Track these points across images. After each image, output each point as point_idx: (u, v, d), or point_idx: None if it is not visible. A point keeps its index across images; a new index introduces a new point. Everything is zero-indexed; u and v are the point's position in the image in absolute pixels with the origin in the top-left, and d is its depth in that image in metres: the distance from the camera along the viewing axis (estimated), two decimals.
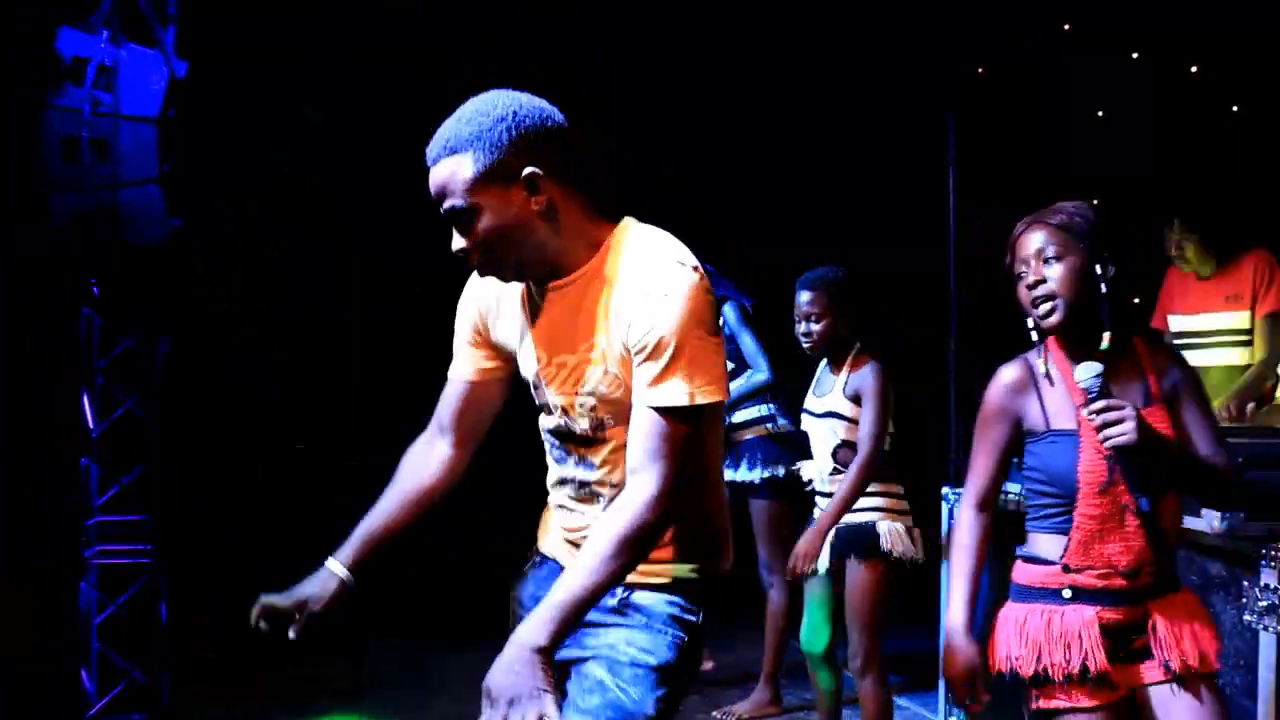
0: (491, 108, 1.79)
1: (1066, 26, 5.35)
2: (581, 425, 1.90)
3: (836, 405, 3.45)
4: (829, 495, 3.49)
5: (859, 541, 3.41)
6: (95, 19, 3.85)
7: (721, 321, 4.40)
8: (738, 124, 5.81)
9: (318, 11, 5.18)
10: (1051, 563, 2.18)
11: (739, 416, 4.39)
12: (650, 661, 1.87)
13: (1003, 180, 5.38)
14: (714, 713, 4.39)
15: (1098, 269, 2.11)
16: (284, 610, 2.01)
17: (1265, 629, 2.53)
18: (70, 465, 4.38)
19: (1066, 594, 2.16)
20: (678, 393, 1.75)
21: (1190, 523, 2.66)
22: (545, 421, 1.99)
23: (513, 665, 1.66)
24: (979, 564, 2.26)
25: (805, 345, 3.49)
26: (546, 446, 2.03)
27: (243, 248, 5.01)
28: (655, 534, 1.77)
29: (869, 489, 3.40)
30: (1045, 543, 2.19)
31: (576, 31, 5.65)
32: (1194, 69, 5.28)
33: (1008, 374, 2.25)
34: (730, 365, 4.42)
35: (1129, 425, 2.02)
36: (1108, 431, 2.04)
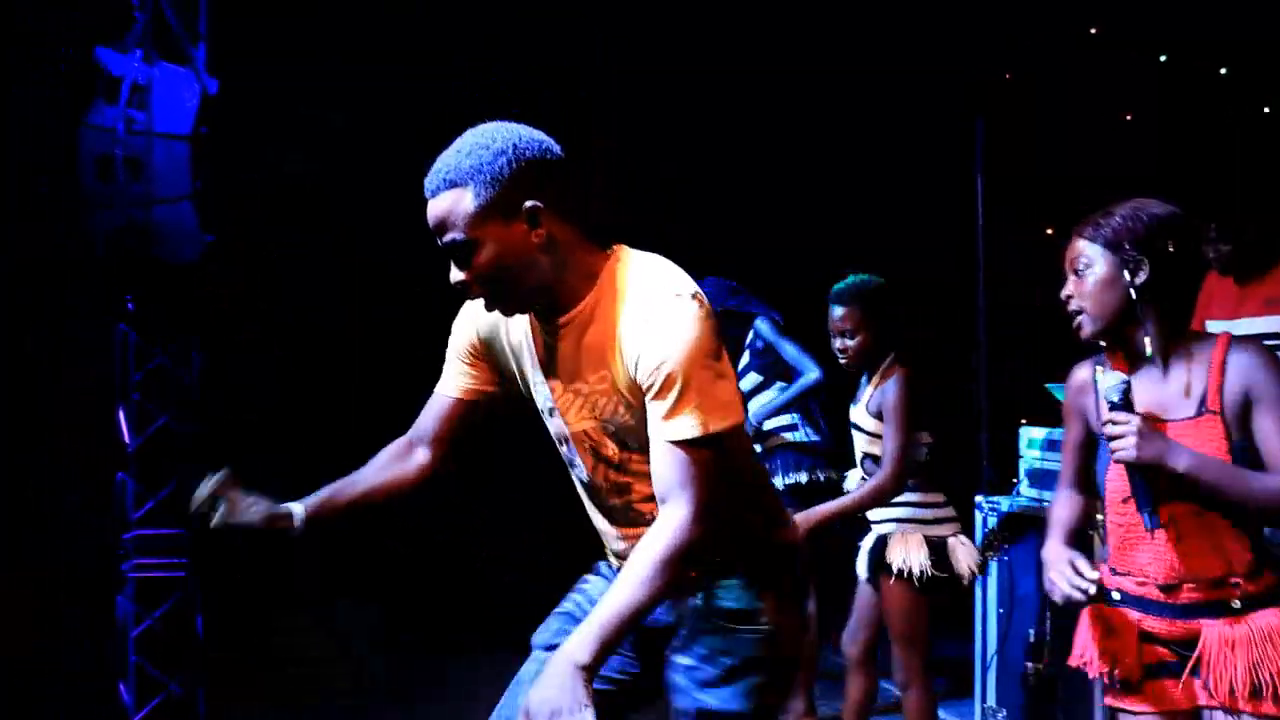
0: (491, 140, 1.79)
1: (1094, 30, 5.32)
2: (610, 448, 1.93)
3: (859, 419, 3.45)
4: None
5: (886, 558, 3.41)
6: (129, 39, 3.89)
7: (752, 335, 4.43)
8: (763, 129, 5.80)
9: (314, 11, 5.18)
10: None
11: (766, 424, 4.39)
12: (730, 661, 1.91)
13: (1030, 184, 5.36)
14: None
15: (1126, 276, 2.04)
16: (234, 498, 1.95)
17: None
18: (106, 480, 4.43)
19: (1115, 596, 2.17)
20: (691, 425, 1.77)
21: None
22: (567, 448, 2.00)
23: (555, 681, 1.69)
24: (1070, 528, 2.24)
25: (841, 360, 3.44)
26: (572, 472, 2.05)
27: (242, 248, 5.01)
28: (692, 554, 1.79)
29: (907, 500, 3.38)
30: (1110, 544, 2.21)
31: (585, 31, 5.64)
32: (1224, 70, 5.24)
33: (1075, 375, 2.26)
34: (759, 378, 4.41)
35: (1128, 441, 2.00)
36: (1112, 445, 2.03)
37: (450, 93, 5.23)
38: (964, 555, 3.38)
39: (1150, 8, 5.15)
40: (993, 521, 3.85)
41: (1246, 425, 2.02)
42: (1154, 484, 2.02)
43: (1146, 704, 2.12)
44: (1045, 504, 3.68)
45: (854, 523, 3.54)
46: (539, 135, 1.83)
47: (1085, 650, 2.19)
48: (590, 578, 2.12)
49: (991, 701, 3.91)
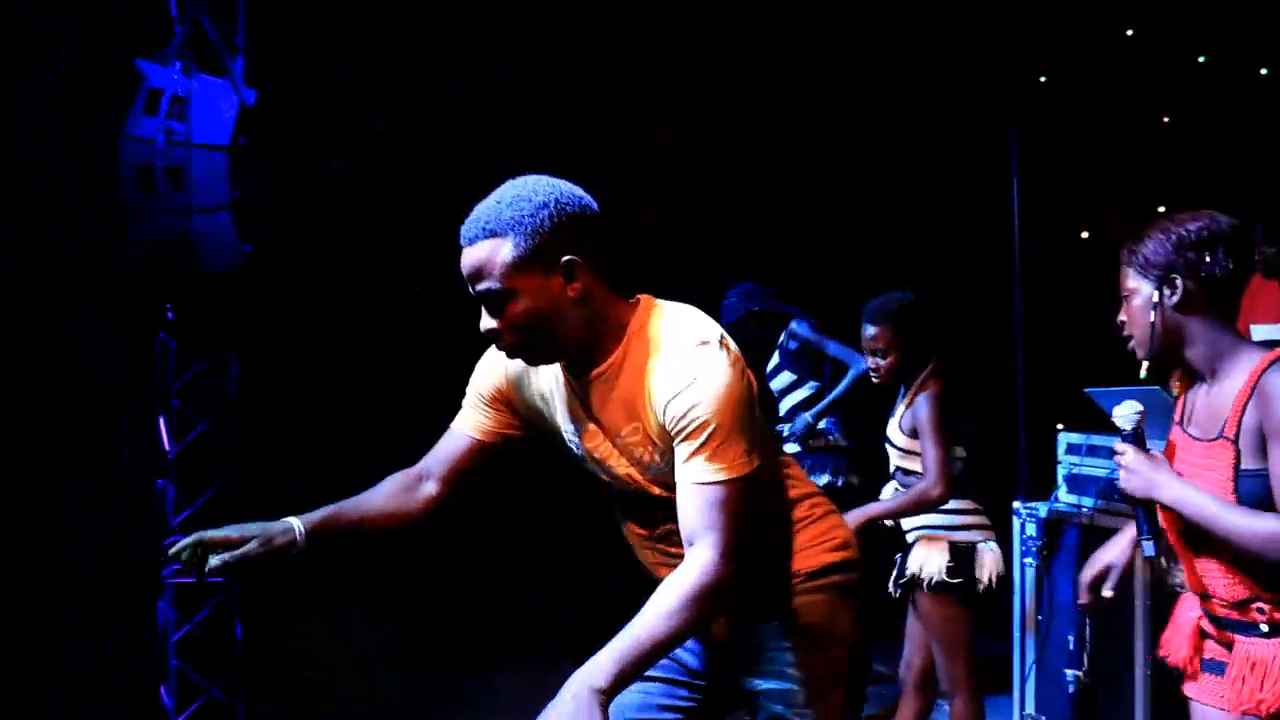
0: (534, 194, 1.80)
1: (1130, 32, 5.28)
2: (656, 491, 1.96)
3: (891, 433, 3.46)
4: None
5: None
6: (168, 51, 3.95)
7: (786, 336, 4.43)
8: (797, 134, 5.79)
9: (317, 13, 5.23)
10: None
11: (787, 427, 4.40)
12: (816, 680, 1.96)
13: (1065, 188, 5.32)
14: None
15: (1164, 297, 2.01)
16: (220, 541, 1.92)
17: None
18: (147, 486, 4.48)
19: (1184, 587, 2.20)
20: (717, 470, 1.79)
21: None
22: (612, 488, 2.02)
23: (571, 704, 1.67)
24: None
25: (874, 379, 3.46)
26: (617, 509, 2.07)
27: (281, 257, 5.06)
28: (721, 592, 1.79)
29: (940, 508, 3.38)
30: None
31: (584, 31, 5.64)
32: (1264, 71, 5.18)
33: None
34: (792, 377, 4.41)
35: (1122, 472, 2.03)
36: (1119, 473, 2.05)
37: (451, 92, 5.26)
38: (990, 562, 3.37)
39: (1187, 9, 5.10)
40: (1031, 528, 3.81)
41: (1264, 455, 1.94)
42: (1151, 514, 2.03)
43: (1204, 696, 2.14)
44: (1083, 509, 3.65)
45: (891, 539, 3.55)
46: (578, 191, 1.85)
47: (1164, 640, 2.25)
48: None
49: (1031, 709, 3.87)
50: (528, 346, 1.85)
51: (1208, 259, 1.98)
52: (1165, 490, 1.98)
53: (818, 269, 5.27)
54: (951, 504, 3.36)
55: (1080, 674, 3.60)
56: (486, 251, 1.78)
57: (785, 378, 4.43)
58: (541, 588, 5.26)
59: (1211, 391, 2.04)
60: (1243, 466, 1.94)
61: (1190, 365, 2.07)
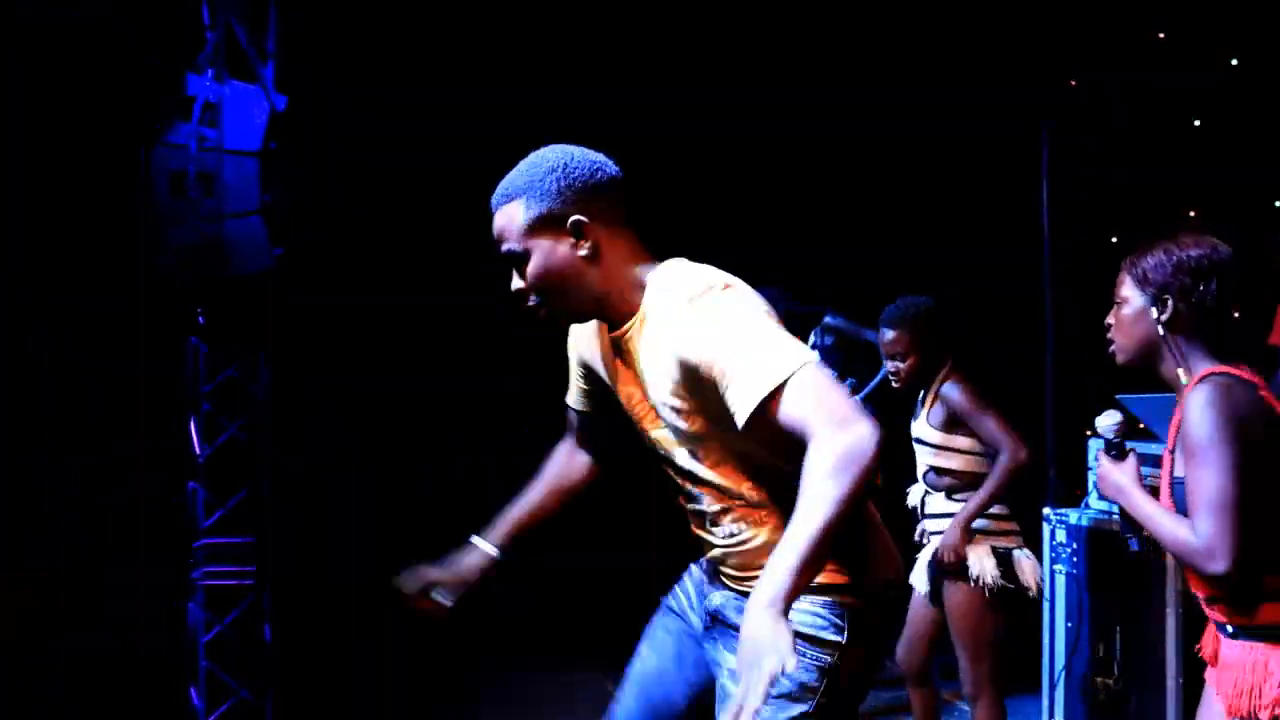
0: (545, 160, 1.91)
1: (1161, 35, 5.24)
2: (680, 456, 1.95)
3: (921, 432, 3.45)
4: (931, 516, 3.48)
5: (952, 564, 3.37)
6: (201, 58, 3.99)
7: (819, 333, 4.40)
8: (822, 137, 5.78)
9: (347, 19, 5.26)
10: None
11: None
12: (783, 685, 1.84)
13: (1096, 191, 5.28)
14: None
15: (1153, 313, 2.12)
16: (441, 580, 2.21)
17: None
18: (179, 489, 4.52)
19: None
20: (775, 369, 1.71)
21: None
22: (656, 453, 2.03)
23: (758, 629, 1.60)
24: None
25: (894, 383, 3.48)
26: (668, 482, 2.07)
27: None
28: (855, 455, 1.63)
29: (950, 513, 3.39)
30: None
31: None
32: None
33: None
34: (833, 374, 4.38)
35: (1098, 479, 2.19)
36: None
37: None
38: (1029, 568, 3.38)
39: (1220, 10, 5.06)
40: (1061, 534, 3.79)
41: None
42: (1126, 515, 2.19)
43: (1211, 682, 2.19)
44: (1114, 516, 3.62)
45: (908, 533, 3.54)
46: (592, 155, 1.94)
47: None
48: (687, 575, 2.15)
49: (1060, 717, 3.85)
50: (549, 304, 1.93)
51: (1201, 287, 2.09)
52: (1123, 496, 2.15)
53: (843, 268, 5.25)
54: (993, 509, 3.38)
55: (1109, 682, 3.58)
56: (506, 216, 1.91)
57: None
58: (560, 587, 5.26)
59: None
60: (1175, 475, 2.07)
61: (1163, 379, 2.18)
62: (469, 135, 5.48)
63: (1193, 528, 1.97)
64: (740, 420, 1.73)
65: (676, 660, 2.09)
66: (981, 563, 3.32)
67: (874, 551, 1.96)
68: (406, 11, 5.40)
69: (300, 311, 4.75)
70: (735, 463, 1.92)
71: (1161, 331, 2.12)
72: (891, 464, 3.74)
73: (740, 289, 1.83)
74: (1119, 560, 3.47)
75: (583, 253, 1.88)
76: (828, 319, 4.35)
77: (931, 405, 3.41)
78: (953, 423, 3.39)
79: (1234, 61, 5.06)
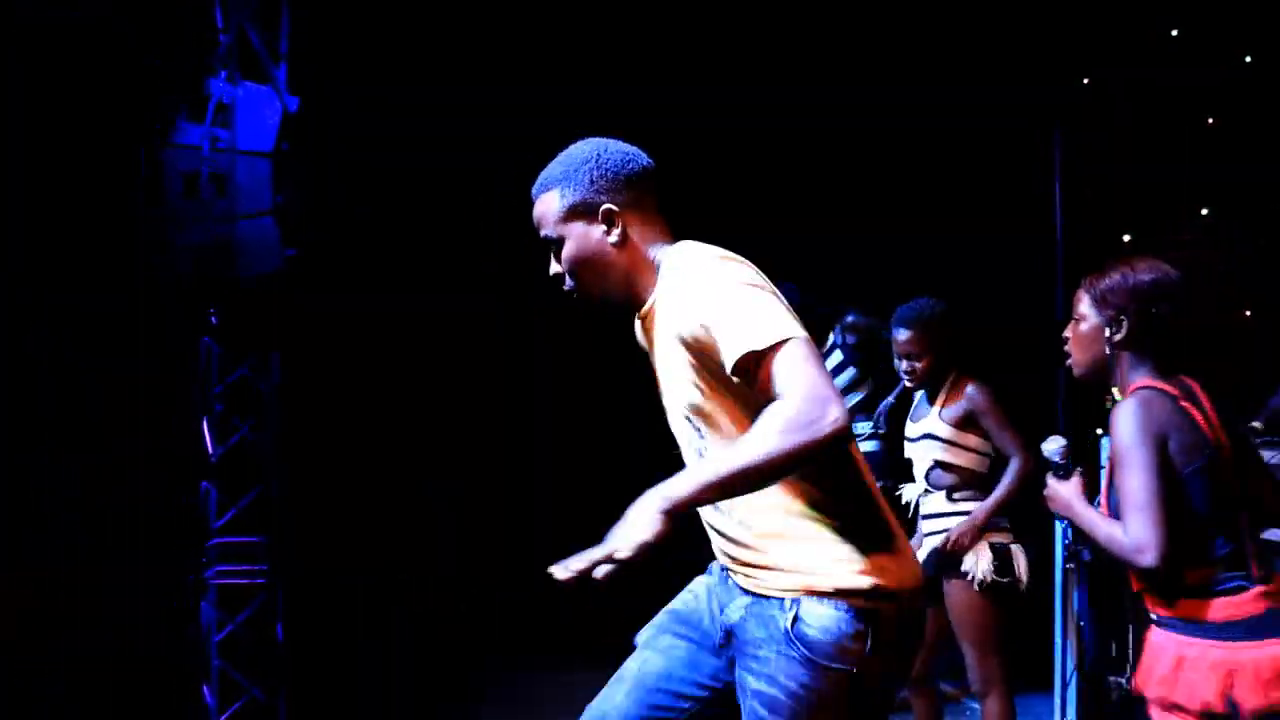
0: (580, 152, 2.03)
1: (1174, 33, 5.22)
2: (693, 437, 1.97)
3: (932, 428, 3.46)
4: (928, 516, 3.49)
5: (950, 562, 3.39)
6: (213, 60, 4.00)
7: (839, 332, 4.39)
8: (838, 136, 5.77)
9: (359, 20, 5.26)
10: None
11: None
12: (801, 693, 1.85)
13: (1108, 191, 5.27)
14: None
15: (1108, 332, 2.28)
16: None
17: None
18: (183, 489, 4.54)
19: None
20: (755, 337, 1.76)
21: None
22: (681, 439, 2.04)
23: (633, 515, 1.70)
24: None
25: (908, 382, 3.53)
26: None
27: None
28: (802, 426, 1.69)
29: (965, 509, 3.41)
30: None
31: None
32: None
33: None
34: (854, 372, 4.38)
35: (1047, 498, 2.39)
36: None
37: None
38: (1024, 563, 3.40)
39: (1233, 8, 5.04)
40: (1072, 533, 3.79)
41: None
42: (1076, 528, 2.40)
43: None
44: None
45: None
46: (625, 147, 2.04)
47: None
48: (702, 578, 2.12)
49: (1072, 716, 3.84)
50: (582, 288, 2.02)
51: (1153, 309, 2.26)
52: (1070, 511, 2.35)
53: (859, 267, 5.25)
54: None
55: (1123, 680, 3.58)
56: (544, 204, 2.02)
57: (847, 375, 4.40)
58: (563, 588, 5.27)
59: None
60: (1113, 482, 2.24)
61: (1118, 391, 2.33)
62: (469, 136, 5.50)
63: (1124, 528, 2.15)
64: (728, 367, 1.80)
65: (689, 667, 2.05)
66: (977, 559, 3.33)
67: (894, 556, 1.92)
68: (409, 12, 5.40)
69: (312, 312, 4.77)
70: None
71: (1110, 350, 2.30)
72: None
73: (737, 262, 1.89)
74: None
75: (613, 239, 1.98)
76: (850, 318, 4.34)
77: (946, 402, 3.44)
78: (967, 421, 3.40)
79: (1248, 59, 5.04)
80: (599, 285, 2.01)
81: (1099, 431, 3.96)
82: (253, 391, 4.51)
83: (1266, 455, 3.16)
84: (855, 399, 4.38)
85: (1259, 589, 2.13)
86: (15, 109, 4.49)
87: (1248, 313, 4.80)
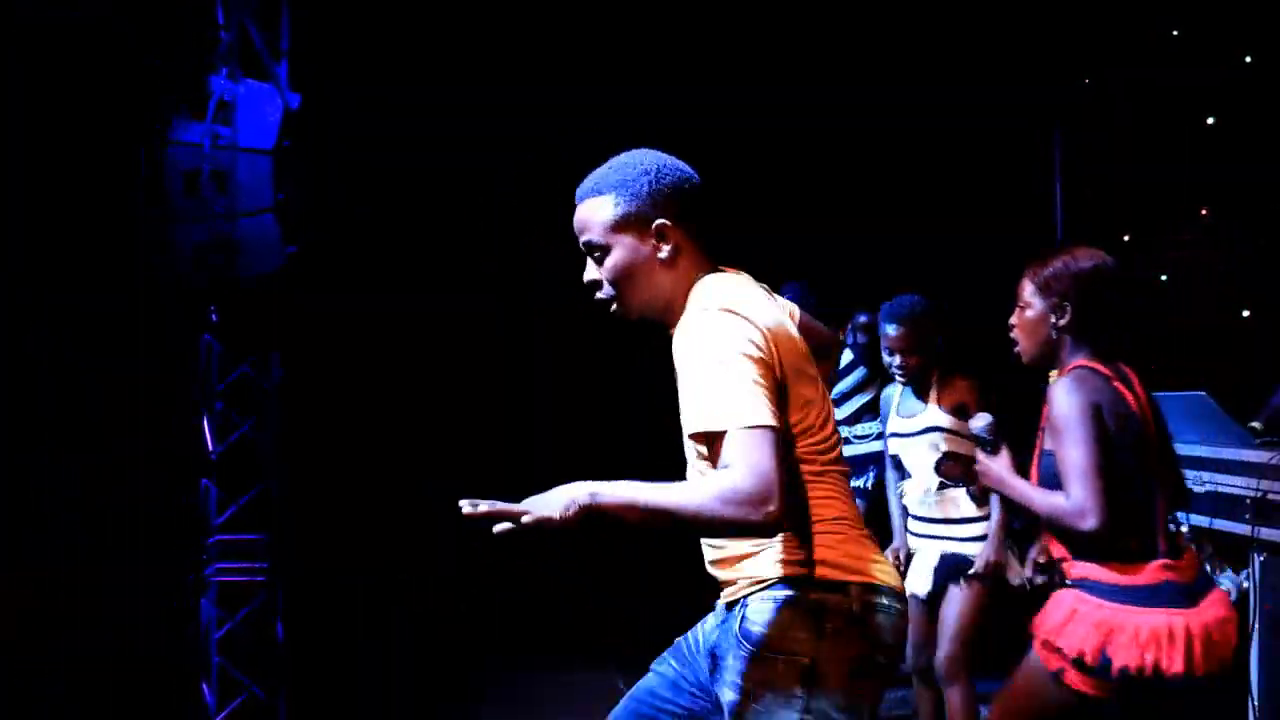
0: (638, 162, 1.99)
1: (1175, 33, 5.22)
2: (691, 456, 1.97)
3: (935, 419, 3.48)
4: (926, 520, 3.50)
5: (962, 571, 3.45)
6: (214, 57, 4.00)
7: (849, 330, 4.41)
8: (838, 135, 5.78)
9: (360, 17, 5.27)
10: None
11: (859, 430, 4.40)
12: (761, 691, 1.85)
13: (1108, 190, 5.27)
14: None
15: (1052, 318, 2.46)
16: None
17: None
18: (184, 487, 4.54)
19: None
20: (701, 419, 1.79)
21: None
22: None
23: (553, 495, 1.73)
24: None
25: (900, 377, 3.57)
26: None
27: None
28: (748, 517, 1.71)
29: (976, 516, 3.45)
30: None
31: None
32: None
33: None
34: (865, 370, 4.38)
35: (979, 473, 2.56)
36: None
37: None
38: (1017, 565, 3.44)
39: (1234, 8, 5.05)
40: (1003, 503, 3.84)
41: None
42: (1008, 501, 2.64)
43: None
44: None
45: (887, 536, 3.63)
46: (681, 164, 2.03)
47: None
48: (710, 616, 2.11)
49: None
50: (620, 298, 2.00)
51: (1093, 295, 2.43)
52: (1003, 485, 2.52)
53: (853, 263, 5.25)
54: (983, 512, 3.46)
55: None
56: (592, 208, 1.98)
57: (857, 375, 4.40)
58: (564, 588, 5.27)
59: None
60: (1044, 449, 2.42)
61: (1058, 372, 2.47)
62: (469, 136, 5.51)
63: (1066, 494, 2.31)
64: (685, 433, 1.88)
65: (672, 688, 2.09)
66: (1018, 570, 3.40)
67: (846, 550, 1.91)
68: (409, 12, 5.41)
69: (312, 311, 4.77)
70: None
71: (1055, 335, 2.46)
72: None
73: (736, 319, 1.84)
74: None
75: (662, 255, 1.96)
76: (862, 317, 4.38)
77: (941, 395, 3.48)
78: (964, 413, 3.41)
79: (1248, 59, 5.04)
80: (640, 299, 1.98)
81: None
82: (253, 390, 4.51)
83: (1267, 455, 3.16)
84: (864, 399, 4.39)
85: (1161, 562, 2.34)
86: (15, 109, 4.50)
87: (1247, 313, 4.80)
